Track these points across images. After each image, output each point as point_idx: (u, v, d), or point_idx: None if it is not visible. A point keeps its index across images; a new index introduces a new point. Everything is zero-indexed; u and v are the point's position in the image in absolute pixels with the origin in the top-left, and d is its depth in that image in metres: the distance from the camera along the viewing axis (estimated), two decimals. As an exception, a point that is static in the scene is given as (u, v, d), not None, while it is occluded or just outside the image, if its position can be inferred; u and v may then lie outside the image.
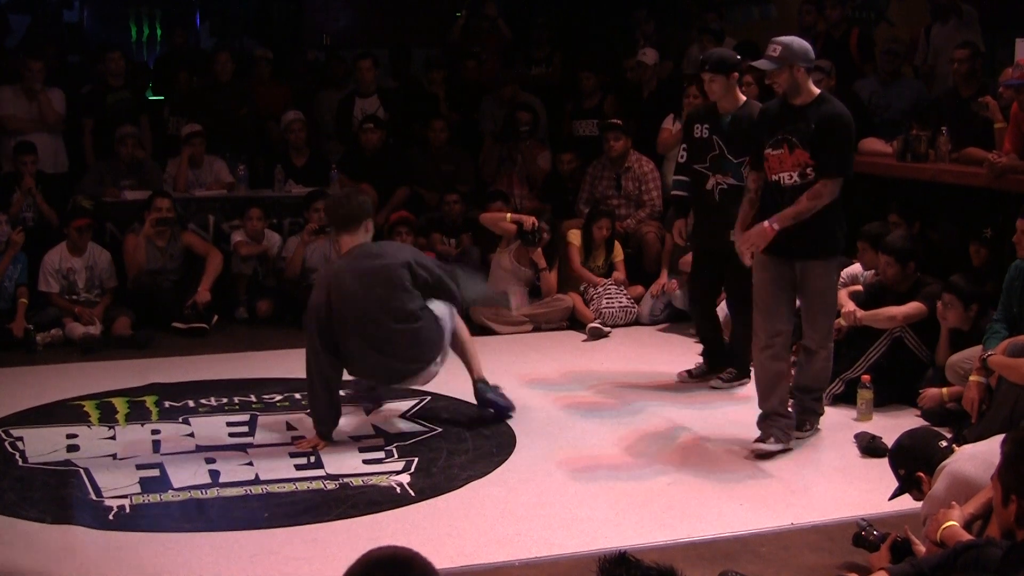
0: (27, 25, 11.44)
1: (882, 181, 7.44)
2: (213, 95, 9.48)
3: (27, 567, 4.14)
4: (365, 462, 5.37)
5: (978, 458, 3.90)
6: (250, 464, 5.33)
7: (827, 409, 5.86)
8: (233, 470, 5.24)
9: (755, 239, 5.36)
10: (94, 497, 4.91)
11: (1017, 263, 5.68)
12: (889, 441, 4.70)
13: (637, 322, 8.12)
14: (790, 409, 5.59)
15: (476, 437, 5.70)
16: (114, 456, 5.42)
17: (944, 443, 4.25)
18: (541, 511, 4.81)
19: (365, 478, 5.15)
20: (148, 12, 13.37)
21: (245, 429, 5.84)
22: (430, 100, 9.94)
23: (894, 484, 4.32)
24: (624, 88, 9.79)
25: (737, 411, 6.14)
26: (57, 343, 7.52)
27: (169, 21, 12.71)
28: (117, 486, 5.02)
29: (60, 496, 4.92)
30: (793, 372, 5.70)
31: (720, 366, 6.71)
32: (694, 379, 6.73)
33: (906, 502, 4.32)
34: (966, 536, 3.51)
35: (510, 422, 5.93)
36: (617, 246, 8.38)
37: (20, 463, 5.34)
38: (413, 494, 4.97)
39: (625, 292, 8.20)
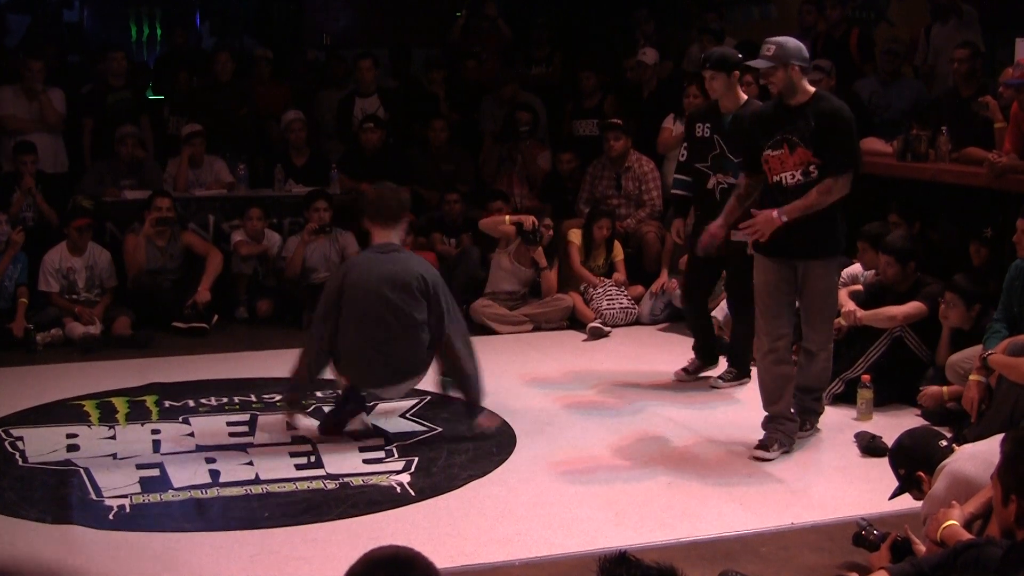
0: (27, 25, 11.44)
1: (882, 181, 7.43)
2: (213, 95, 9.48)
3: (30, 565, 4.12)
4: (365, 462, 5.37)
5: (978, 457, 3.90)
6: (250, 464, 5.33)
7: (827, 409, 5.86)
8: (233, 470, 5.24)
9: (761, 226, 5.30)
10: (94, 497, 4.91)
11: (1017, 263, 5.68)
12: (889, 441, 4.70)
13: (637, 322, 8.12)
14: (792, 411, 5.59)
15: (476, 437, 5.69)
16: (114, 456, 5.42)
17: (944, 443, 4.25)
18: (541, 511, 4.81)
19: (365, 478, 5.15)
20: (148, 12, 13.37)
21: (245, 429, 5.84)
22: (430, 100, 9.94)
23: (894, 484, 4.32)
24: (624, 88, 9.79)
25: (737, 411, 6.15)
26: (57, 343, 7.52)
27: (169, 21, 12.71)
28: (117, 486, 5.02)
29: (60, 496, 4.92)
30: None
31: (712, 359, 6.76)
32: (691, 376, 6.76)
33: (906, 502, 4.32)
34: (966, 535, 3.51)
35: (510, 422, 5.93)
36: (617, 246, 8.38)
37: (20, 463, 5.34)
38: (413, 494, 4.97)
39: (625, 293, 8.20)
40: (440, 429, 5.79)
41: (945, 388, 5.87)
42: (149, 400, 6.27)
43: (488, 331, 7.81)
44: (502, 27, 10.88)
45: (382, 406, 6.04)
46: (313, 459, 5.39)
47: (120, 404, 6.21)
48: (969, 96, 7.29)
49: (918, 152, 7.27)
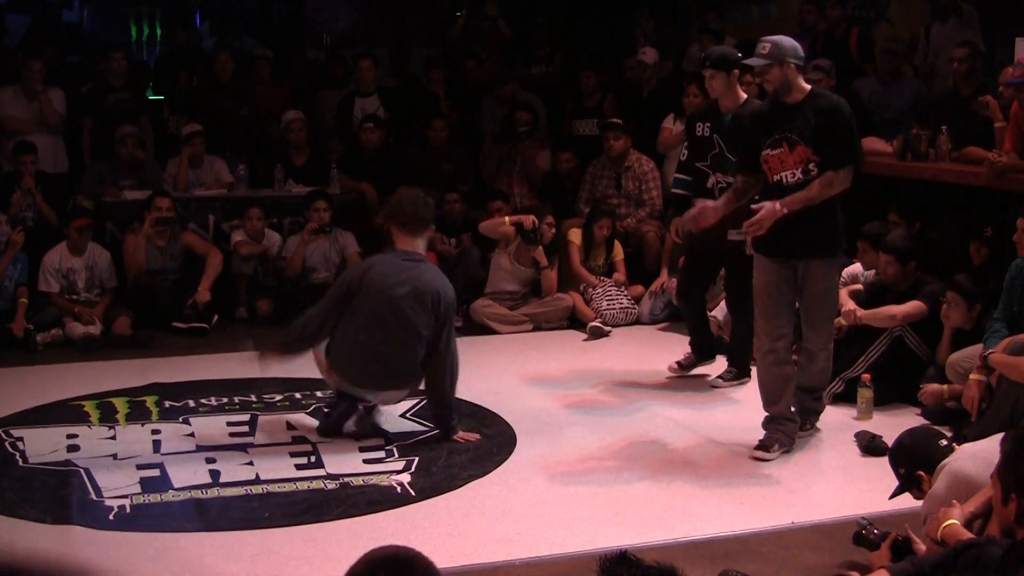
0: (27, 25, 11.45)
1: (882, 180, 7.43)
2: (213, 95, 9.48)
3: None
4: (365, 462, 5.37)
5: (978, 457, 3.89)
6: (250, 464, 5.33)
7: (827, 408, 5.86)
8: (233, 470, 5.23)
9: (764, 218, 5.23)
10: (94, 497, 4.91)
11: (1017, 262, 5.69)
12: (889, 440, 4.70)
13: (637, 321, 8.13)
14: (792, 410, 5.59)
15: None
16: (114, 456, 5.42)
17: (944, 442, 4.25)
18: (541, 510, 4.81)
19: (365, 478, 5.15)
20: (148, 12, 13.38)
21: (245, 429, 5.84)
22: (430, 100, 9.94)
23: (894, 483, 4.32)
24: (624, 87, 9.79)
25: (738, 411, 6.15)
26: (57, 343, 7.51)
27: (169, 21, 12.73)
28: (117, 486, 5.02)
29: (60, 496, 4.92)
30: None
31: (708, 356, 6.79)
32: (684, 370, 6.79)
33: (906, 501, 4.32)
34: (966, 535, 3.51)
35: (510, 422, 5.93)
36: (617, 245, 8.38)
37: (20, 463, 5.34)
38: (413, 493, 4.97)
39: (625, 293, 8.20)
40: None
41: (945, 386, 5.87)
42: (149, 400, 6.27)
43: (488, 331, 7.81)
44: (502, 27, 10.88)
45: (382, 406, 6.04)
46: (313, 459, 5.39)
47: (120, 404, 6.21)
48: (969, 95, 7.29)
49: (918, 151, 7.27)
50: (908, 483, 4.24)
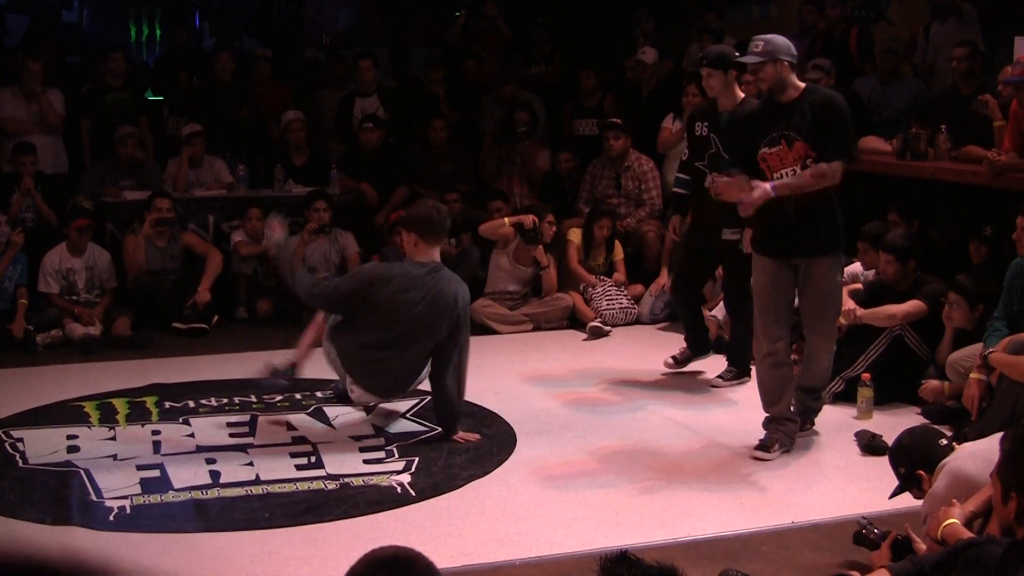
0: (26, 26, 11.45)
1: (881, 180, 7.44)
2: (213, 95, 9.48)
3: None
4: (366, 462, 5.37)
5: (978, 456, 3.90)
6: (251, 464, 5.33)
7: (827, 408, 5.86)
8: (234, 470, 5.23)
9: (759, 197, 5.16)
10: (94, 498, 4.91)
11: (1017, 261, 5.69)
12: (889, 439, 4.70)
13: (637, 321, 8.13)
14: (792, 410, 5.59)
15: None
16: (114, 457, 5.42)
17: (944, 441, 4.25)
18: (541, 510, 4.81)
19: (366, 478, 5.15)
20: (148, 12, 13.38)
21: (245, 429, 5.84)
22: (430, 100, 9.94)
23: (894, 482, 4.32)
24: (624, 87, 9.79)
25: (738, 410, 6.15)
26: (57, 344, 7.51)
27: (169, 21, 12.73)
28: (117, 487, 5.01)
29: (60, 497, 4.92)
30: (796, 371, 5.70)
31: (702, 351, 6.82)
32: (679, 365, 6.82)
33: (906, 500, 4.32)
34: (967, 534, 3.51)
35: (510, 422, 5.93)
36: (617, 245, 8.38)
37: (20, 464, 5.34)
38: (414, 494, 4.97)
39: (625, 293, 8.21)
40: (440, 429, 5.78)
41: (946, 383, 5.87)
42: (149, 401, 6.27)
43: (488, 331, 7.81)
44: (502, 27, 10.88)
45: (382, 406, 6.04)
46: (313, 459, 5.39)
47: (120, 405, 6.21)
48: (968, 95, 7.29)
49: (917, 151, 7.27)
50: (908, 482, 4.24)
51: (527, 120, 9.36)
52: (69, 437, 5.68)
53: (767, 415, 5.53)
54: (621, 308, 8.06)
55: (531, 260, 8.11)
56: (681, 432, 5.83)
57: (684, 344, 6.88)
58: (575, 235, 8.36)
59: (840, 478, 5.23)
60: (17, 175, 8.18)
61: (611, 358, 7.28)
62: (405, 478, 5.14)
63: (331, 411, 6.08)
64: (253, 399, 6.30)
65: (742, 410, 6.07)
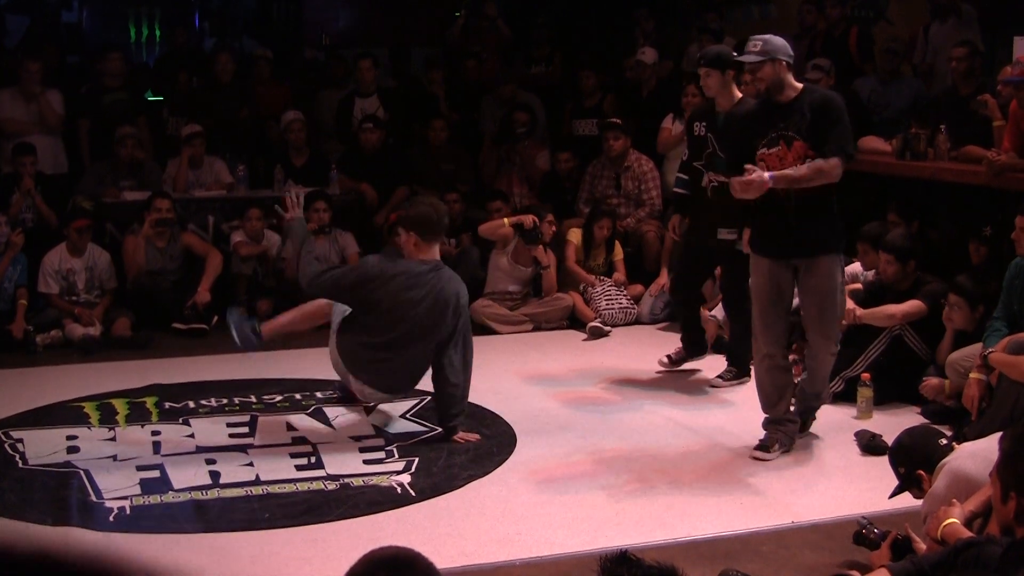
0: (26, 26, 11.45)
1: (881, 180, 7.43)
2: (213, 96, 9.48)
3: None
4: (366, 462, 5.37)
5: (978, 456, 3.90)
6: (250, 465, 5.33)
7: (827, 407, 5.85)
8: (233, 471, 5.23)
9: (755, 182, 5.08)
10: (94, 499, 4.91)
11: (1017, 261, 5.68)
12: (889, 439, 4.70)
13: (637, 321, 8.13)
14: (792, 409, 5.59)
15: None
16: (114, 457, 5.41)
17: (944, 441, 4.25)
18: (541, 510, 4.81)
19: (366, 478, 5.15)
20: (147, 12, 13.39)
21: (245, 430, 5.84)
22: (430, 100, 9.94)
23: (894, 482, 4.32)
24: (624, 87, 9.80)
25: (738, 410, 6.14)
26: (57, 344, 7.51)
27: (168, 21, 12.73)
28: (117, 487, 5.01)
29: (60, 498, 4.91)
30: (795, 371, 5.69)
31: (698, 352, 6.84)
32: (673, 364, 6.84)
33: (906, 500, 4.32)
34: (967, 534, 3.51)
35: (510, 422, 5.93)
36: (617, 246, 8.38)
37: (20, 465, 5.34)
38: (414, 494, 4.97)
39: (625, 293, 8.21)
40: (440, 429, 5.78)
41: (947, 381, 5.87)
42: (149, 401, 6.27)
43: (488, 331, 7.81)
44: (501, 27, 10.88)
45: (381, 407, 6.04)
46: (313, 460, 5.39)
47: (120, 405, 6.21)
48: (968, 95, 7.29)
49: (917, 151, 7.27)
50: (908, 482, 4.24)
51: (526, 121, 9.36)
52: (69, 438, 5.68)
53: (767, 416, 5.53)
54: (621, 308, 8.06)
55: (530, 260, 8.11)
56: (681, 432, 5.83)
57: (680, 344, 6.89)
58: (574, 235, 8.36)
59: (840, 478, 5.23)
60: (17, 175, 8.18)
61: (611, 358, 7.28)
62: (405, 478, 5.14)
63: (331, 411, 6.09)
64: (253, 399, 6.30)
65: (742, 410, 6.07)
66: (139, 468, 5.26)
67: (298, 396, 6.33)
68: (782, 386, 5.48)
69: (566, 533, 4.57)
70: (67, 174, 8.83)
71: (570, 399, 6.39)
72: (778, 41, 5.29)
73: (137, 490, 5.00)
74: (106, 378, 6.73)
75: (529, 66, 10.64)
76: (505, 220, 8.11)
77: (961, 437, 4.96)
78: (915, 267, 6.27)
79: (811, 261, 5.33)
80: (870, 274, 6.67)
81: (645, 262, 8.56)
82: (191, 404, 6.22)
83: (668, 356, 6.87)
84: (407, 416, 6.02)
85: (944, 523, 3.59)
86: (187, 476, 5.15)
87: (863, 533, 4.09)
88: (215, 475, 5.17)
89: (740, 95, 6.32)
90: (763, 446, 5.43)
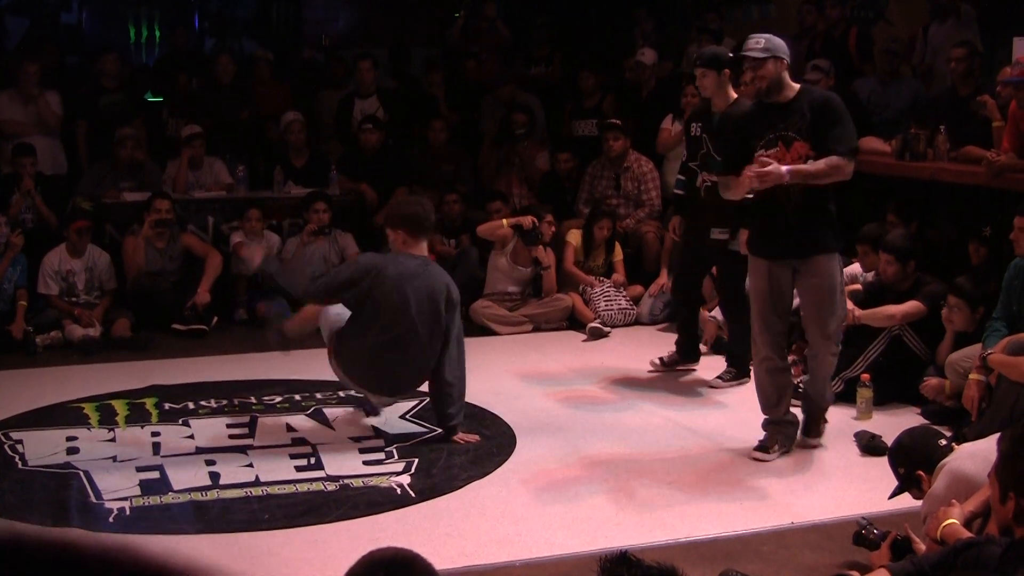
0: (26, 27, 11.45)
1: (881, 180, 7.43)
2: (213, 96, 9.48)
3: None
4: (365, 463, 5.37)
5: (978, 456, 3.89)
6: (250, 466, 5.33)
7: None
8: (233, 472, 5.23)
9: (771, 173, 5.02)
10: (94, 499, 4.91)
11: (1016, 261, 5.69)
12: (889, 440, 4.70)
13: (637, 322, 8.13)
14: (793, 410, 5.58)
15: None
16: (114, 458, 5.41)
17: (944, 441, 4.25)
18: (541, 511, 4.81)
19: (365, 479, 5.15)
20: (147, 13, 13.38)
21: (245, 431, 5.84)
22: (430, 100, 9.95)
23: (894, 483, 4.32)
24: (623, 88, 9.80)
25: (737, 411, 6.14)
26: (56, 345, 7.51)
27: (168, 22, 12.73)
28: (117, 488, 5.01)
29: (60, 499, 4.92)
30: (795, 371, 5.69)
31: (691, 357, 6.86)
32: (665, 367, 6.85)
33: (906, 500, 4.32)
34: (966, 534, 3.51)
35: (510, 422, 5.93)
36: (617, 246, 8.38)
37: (20, 466, 5.34)
38: (413, 495, 4.97)
39: (624, 293, 8.21)
40: (440, 430, 5.78)
41: (947, 381, 5.88)
42: (149, 402, 6.27)
43: (488, 332, 7.81)
44: (501, 28, 10.89)
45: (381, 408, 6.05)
46: (313, 461, 5.39)
47: (120, 406, 6.21)
48: (967, 95, 7.30)
49: (916, 151, 7.27)
50: (908, 483, 4.24)
51: (524, 122, 9.35)
52: (69, 439, 5.68)
53: (766, 417, 5.53)
54: (620, 309, 8.06)
55: (529, 261, 8.11)
56: (681, 433, 5.83)
57: (674, 347, 6.89)
58: (573, 236, 8.36)
59: (840, 478, 5.23)
60: (17, 176, 8.18)
61: (610, 359, 7.28)
62: (405, 479, 5.14)
63: (331, 412, 6.09)
64: (253, 400, 6.30)
65: (741, 411, 6.07)
66: (139, 469, 5.26)
67: (298, 397, 6.33)
68: (782, 387, 5.48)
69: (566, 534, 4.57)
70: (66, 175, 8.83)
71: (570, 400, 6.39)
72: (778, 40, 5.30)
73: (137, 491, 5.00)
74: (106, 379, 6.73)
75: (529, 67, 10.64)
76: (504, 221, 8.11)
77: (961, 438, 4.96)
78: (915, 267, 6.27)
79: (810, 261, 5.32)
80: (869, 275, 6.67)
81: (645, 263, 8.56)
82: (191, 405, 6.22)
83: (660, 359, 6.88)
84: (407, 417, 6.02)
85: (944, 523, 3.59)
86: (187, 477, 5.15)
87: (863, 533, 4.09)
88: (215, 476, 5.17)
89: (735, 96, 6.31)
90: (763, 447, 5.43)
